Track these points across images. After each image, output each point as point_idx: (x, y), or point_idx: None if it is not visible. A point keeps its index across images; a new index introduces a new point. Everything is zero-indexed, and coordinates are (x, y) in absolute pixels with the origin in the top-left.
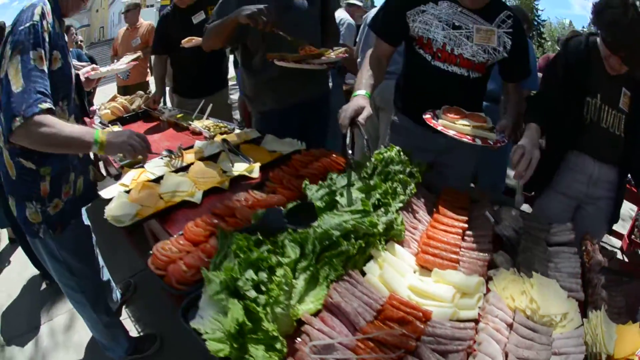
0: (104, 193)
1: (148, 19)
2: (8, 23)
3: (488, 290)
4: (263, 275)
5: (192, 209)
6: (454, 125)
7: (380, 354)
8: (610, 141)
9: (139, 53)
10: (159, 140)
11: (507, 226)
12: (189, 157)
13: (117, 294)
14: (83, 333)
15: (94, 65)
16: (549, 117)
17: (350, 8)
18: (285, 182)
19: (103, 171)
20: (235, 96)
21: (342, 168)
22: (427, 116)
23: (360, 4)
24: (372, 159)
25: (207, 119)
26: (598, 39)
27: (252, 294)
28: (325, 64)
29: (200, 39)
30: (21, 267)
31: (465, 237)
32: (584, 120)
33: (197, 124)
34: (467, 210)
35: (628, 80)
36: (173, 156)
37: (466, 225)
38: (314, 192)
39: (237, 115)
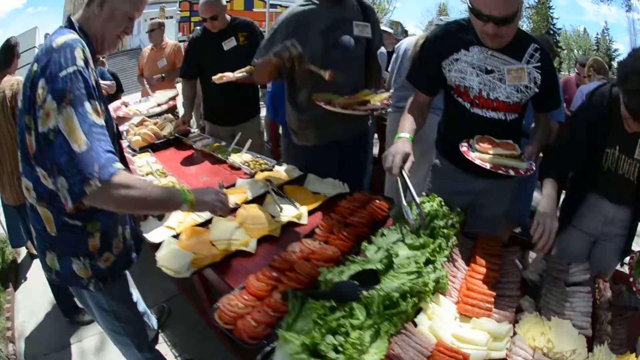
0: (151, 237)
1: (168, 31)
2: (20, 29)
3: (515, 332)
4: (340, 339)
5: (246, 258)
6: (488, 158)
7: None
8: (626, 186)
9: (175, 91)
10: (197, 174)
11: (533, 271)
12: (232, 198)
13: (154, 321)
14: (115, 355)
15: (125, 101)
16: (567, 170)
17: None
18: (335, 232)
19: None
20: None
21: (386, 214)
22: (463, 149)
23: (391, 31)
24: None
25: (245, 152)
26: (620, 94)
27: (333, 355)
28: (370, 110)
29: (231, 74)
30: (43, 284)
31: (498, 285)
32: (602, 168)
33: (235, 159)
34: (499, 257)
35: None
36: None
37: (499, 275)
38: (373, 254)
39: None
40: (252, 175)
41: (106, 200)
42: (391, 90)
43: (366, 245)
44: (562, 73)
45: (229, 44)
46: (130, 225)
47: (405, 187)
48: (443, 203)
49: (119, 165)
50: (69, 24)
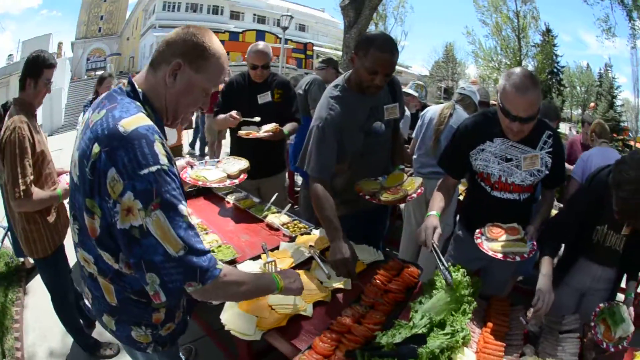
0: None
1: None
2: (34, 29)
3: None
4: None
5: (304, 320)
6: (498, 248)
7: None
8: (612, 254)
9: (245, 162)
10: (236, 232)
11: (534, 324)
12: (278, 262)
13: None
14: None
15: (190, 161)
16: (562, 241)
17: (406, 97)
18: (379, 299)
19: None
20: None
21: (417, 279)
22: (478, 241)
23: (415, 94)
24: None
25: (286, 213)
26: (613, 196)
27: None
28: (405, 198)
29: (258, 132)
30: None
31: (506, 337)
32: (591, 240)
33: (273, 219)
34: (507, 315)
35: None
36: (264, 256)
37: (507, 329)
38: (418, 320)
39: None
40: (292, 239)
41: (209, 297)
42: (414, 157)
43: (413, 312)
44: (565, 111)
45: (264, 98)
46: None
47: (437, 255)
48: (466, 273)
49: (220, 265)
50: (133, 91)
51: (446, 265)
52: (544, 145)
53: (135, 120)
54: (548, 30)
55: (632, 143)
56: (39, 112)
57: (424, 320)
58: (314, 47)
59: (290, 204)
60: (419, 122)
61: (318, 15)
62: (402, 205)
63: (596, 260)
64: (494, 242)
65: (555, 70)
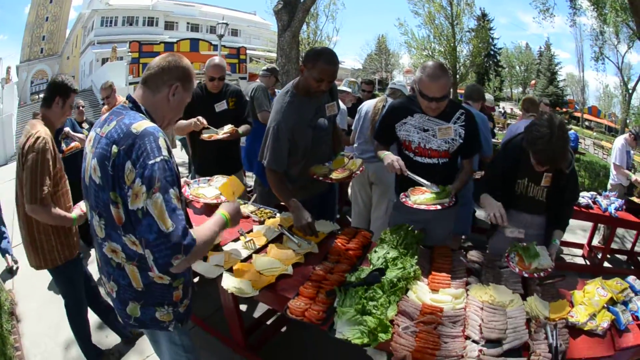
0: (208, 274)
1: (119, 73)
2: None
3: (467, 294)
4: (375, 303)
5: (286, 279)
6: (422, 202)
7: (426, 327)
8: (535, 204)
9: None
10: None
11: (474, 262)
12: (255, 240)
13: None
14: None
15: (188, 180)
16: (491, 192)
17: (341, 94)
18: (342, 256)
19: None
20: None
21: (370, 240)
22: (403, 200)
23: (349, 90)
24: (394, 234)
25: (252, 204)
26: (530, 151)
27: (374, 310)
28: (353, 177)
29: (218, 134)
30: (47, 314)
31: (452, 271)
32: (515, 192)
33: (244, 209)
34: (450, 257)
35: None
36: (243, 238)
37: (450, 266)
38: (375, 261)
39: None
40: (261, 222)
41: (187, 265)
42: (355, 145)
43: (371, 256)
44: (505, 90)
45: (221, 106)
46: (191, 272)
47: (414, 177)
48: (409, 229)
49: (193, 234)
50: (134, 106)
51: (425, 182)
52: (457, 120)
53: (143, 123)
54: (484, 15)
55: (578, 114)
56: None
57: (380, 260)
58: (247, 51)
59: (254, 195)
60: (357, 116)
61: (250, 18)
62: (349, 190)
63: (523, 209)
64: (417, 197)
65: (492, 52)
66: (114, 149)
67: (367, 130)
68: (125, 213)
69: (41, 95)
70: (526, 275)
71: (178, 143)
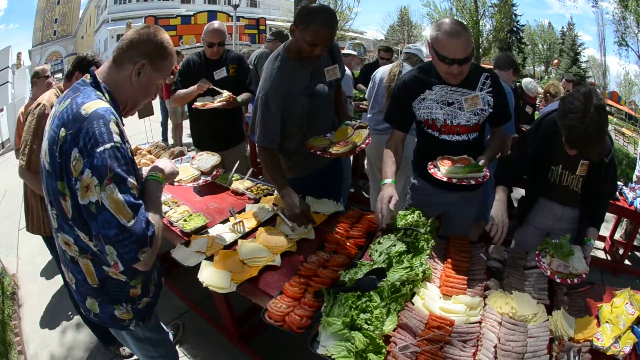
0: (186, 262)
1: None
2: None
3: (485, 304)
4: (368, 315)
5: (273, 271)
6: (452, 174)
7: (431, 346)
8: (570, 194)
9: (217, 158)
10: (205, 201)
11: (495, 260)
12: (246, 222)
13: (171, 336)
14: None
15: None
16: (516, 179)
17: (346, 58)
18: (341, 244)
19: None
20: None
21: (376, 225)
22: (432, 170)
23: (354, 52)
24: (402, 222)
25: (248, 179)
26: (560, 127)
27: (366, 326)
28: (355, 149)
29: (213, 102)
30: (50, 314)
31: (469, 272)
32: (549, 180)
33: (238, 185)
34: (468, 252)
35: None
36: (232, 219)
37: (468, 265)
38: (377, 257)
39: None
40: (257, 200)
41: (154, 257)
42: (368, 115)
43: (372, 251)
44: (527, 68)
45: (220, 74)
46: (158, 266)
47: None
48: (421, 214)
49: (149, 220)
50: (94, 82)
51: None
52: (482, 87)
53: (94, 103)
54: None
55: None
56: (5, 124)
57: (382, 257)
58: (267, 22)
59: (251, 170)
60: (370, 84)
61: None
62: (365, 163)
63: (556, 200)
64: (447, 169)
65: (515, 29)
66: (62, 132)
67: (382, 99)
68: (73, 207)
69: (57, 76)
70: (558, 280)
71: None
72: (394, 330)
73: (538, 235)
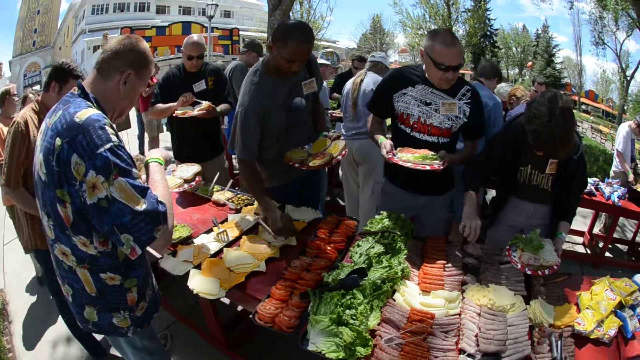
0: (175, 271)
1: None
2: None
3: (463, 297)
4: (353, 312)
5: (258, 276)
6: (409, 159)
7: (414, 338)
8: (540, 193)
9: (198, 167)
10: (188, 212)
11: (470, 256)
12: (229, 232)
13: None
14: None
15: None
16: (484, 183)
17: (321, 67)
18: (322, 248)
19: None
20: None
21: (355, 229)
22: (389, 156)
23: (328, 62)
24: (379, 225)
25: (229, 190)
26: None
27: (352, 321)
28: (334, 163)
29: (193, 111)
30: (39, 327)
31: (446, 269)
32: (518, 180)
33: (219, 196)
34: (444, 251)
35: None
36: (216, 229)
37: (445, 262)
38: (358, 258)
39: None
40: (238, 210)
41: (169, 233)
42: (342, 124)
43: (352, 254)
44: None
45: (199, 86)
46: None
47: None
48: (397, 217)
49: (163, 202)
50: (83, 94)
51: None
52: (462, 97)
53: (87, 111)
54: None
55: (575, 98)
56: None
57: (362, 258)
58: (240, 32)
59: (231, 181)
60: (342, 95)
61: None
62: (340, 172)
63: (527, 198)
64: (405, 155)
65: (488, 33)
66: (58, 141)
67: (349, 108)
68: (74, 212)
69: (35, 88)
70: (529, 272)
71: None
72: (378, 325)
73: (511, 233)
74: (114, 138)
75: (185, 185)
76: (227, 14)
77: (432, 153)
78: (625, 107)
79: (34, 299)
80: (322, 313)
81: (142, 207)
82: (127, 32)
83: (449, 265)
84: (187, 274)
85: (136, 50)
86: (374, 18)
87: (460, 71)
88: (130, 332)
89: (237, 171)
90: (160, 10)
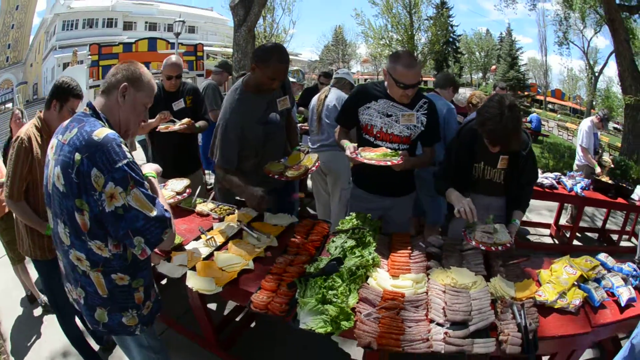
0: (173, 274)
1: (79, 77)
2: None
3: (429, 279)
4: (335, 292)
5: (248, 273)
6: (371, 157)
7: (388, 312)
8: (493, 186)
9: (188, 180)
10: (175, 223)
11: (432, 246)
12: (216, 238)
13: None
14: None
15: None
16: (451, 180)
17: None
18: (301, 247)
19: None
20: None
21: (328, 230)
22: (353, 156)
23: (294, 79)
24: (349, 224)
25: (211, 202)
26: (481, 132)
27: (334, 299)
28: (308, 173)
29: (175, 126)
30: (34, 336)
31: (411, 257)
32: (473, 176)
33: (203, 208)
34: (409, 243)
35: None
36: (204, 236)
37: (410, 252)
38: (334, 251)
39: None
40: (221, 219)
41: (173, 237)
42: (309, 137)
43: (329, 247)
44: (464, 77)
45: (178, 105)
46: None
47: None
48: (365, 217)
49: (168, 209)
50: (94, 113)
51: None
52: (419, 108)
53: (103, 130)
54: (443, 3)
55: (541, 97)
56: None
57: (338, 250)
58: (204, 48)
59: (213, 193)
60: (309, 110)
61: (207, 14)
62: (309, 184)
63: (482, 192)
64: (368, 154)
65: (451, 39)
66: (77, 156)
67: (315, 122)
68: (92, 219)
69: (7, 106)
70: (483, 248)
71: (138, 145)
72: (357, 303)
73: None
74: (129, 155)
75: (178, 197)
76: (191, 30)
77: (391, 150)
78: (594, 103)
79: (26, 317)
80: (308, 296)
81: (153, 213)
82: (95, 48)
83: (414, 254)
84: (178, 281)
85: (131, 68)
86: (336, 29)
87: (423, 78)
88: (138, 330)
89: (210, 186)
90: (127, 26)
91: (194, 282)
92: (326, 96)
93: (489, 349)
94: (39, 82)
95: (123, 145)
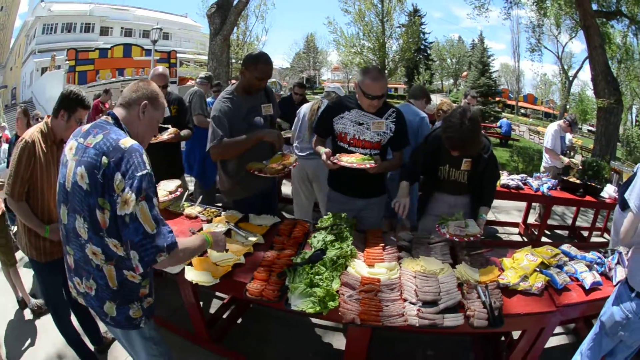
0: (173, 270)
1: (57, 83)
2: None
3: (400, 267)
4: (321, 277)
5: (241, 267)
6: (349, 161)
7: (368, 294)
8: (458, 186)
9: (179, 181)
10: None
11: (403, 240)
12: None
13: None
14: None
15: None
16: (413, 177)
17: None
18: (286, 243)
19: None
20: None
21: (308, 229)
22: (335, 160)
23: (274, 91)
24: (327, 222)
25: (198, 205)
26: (443, 138)
27: (321, 283)
28: (287, 171)
29: (164, 136)
30: (30, 339)
31: (385, 249)
32: (439, 177)
33: (190, 210)
34: (382, 238)
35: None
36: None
37: (383, 244)
38: (316, 244)
39: None
40: (209, 221)
41: (168, 263)
42: (295, 144)
43: (311, 240)
44: (435, 83)
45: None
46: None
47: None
48: (342, 216)
49: (176, 239)
50: (117, 123)
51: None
52: (388, 117)
53: (129, 139)
54: (415, 11)
55: (512, 102)
56: None
57: (320, 243)
58: (177, 55)
59: (201, 197)
60: (296, 118)
61: (181, 21)
62: (284, 189)
63: (447, 192)
64: (348, 158)
65: (422, 46)
66: (104, 159)
67: (305, 131)
68: (111, 218)
69: None
70: (456, 239)
71: None
72: (340, 287)
73: (437, 221)
74: (148, 167)
75: (171, 195)
76: (165, 36)
77: (366, 155)
78: (568, 107)
79: (18, 321)
80: (297, 282)
81: (153, 231)
82: (73, 53)
83: (387, 247)
84: (178, 277)
85: (150, 88)
86: (308, 37)
87: (394, 85)
88: (142, 322)
89: (190, 192)
90: (104, 31)
91: (193, 276)
92: (319, 107)
93: (458, 322)
94: (18, 86)
95: (145, 157)
